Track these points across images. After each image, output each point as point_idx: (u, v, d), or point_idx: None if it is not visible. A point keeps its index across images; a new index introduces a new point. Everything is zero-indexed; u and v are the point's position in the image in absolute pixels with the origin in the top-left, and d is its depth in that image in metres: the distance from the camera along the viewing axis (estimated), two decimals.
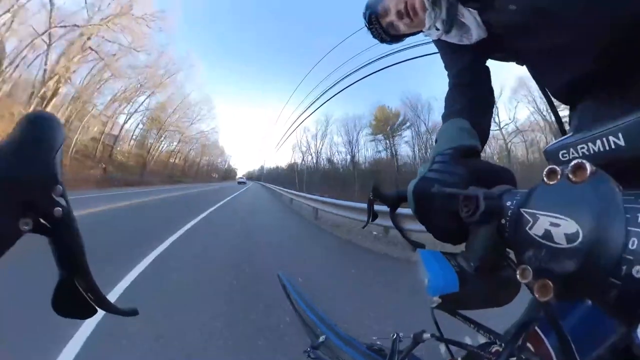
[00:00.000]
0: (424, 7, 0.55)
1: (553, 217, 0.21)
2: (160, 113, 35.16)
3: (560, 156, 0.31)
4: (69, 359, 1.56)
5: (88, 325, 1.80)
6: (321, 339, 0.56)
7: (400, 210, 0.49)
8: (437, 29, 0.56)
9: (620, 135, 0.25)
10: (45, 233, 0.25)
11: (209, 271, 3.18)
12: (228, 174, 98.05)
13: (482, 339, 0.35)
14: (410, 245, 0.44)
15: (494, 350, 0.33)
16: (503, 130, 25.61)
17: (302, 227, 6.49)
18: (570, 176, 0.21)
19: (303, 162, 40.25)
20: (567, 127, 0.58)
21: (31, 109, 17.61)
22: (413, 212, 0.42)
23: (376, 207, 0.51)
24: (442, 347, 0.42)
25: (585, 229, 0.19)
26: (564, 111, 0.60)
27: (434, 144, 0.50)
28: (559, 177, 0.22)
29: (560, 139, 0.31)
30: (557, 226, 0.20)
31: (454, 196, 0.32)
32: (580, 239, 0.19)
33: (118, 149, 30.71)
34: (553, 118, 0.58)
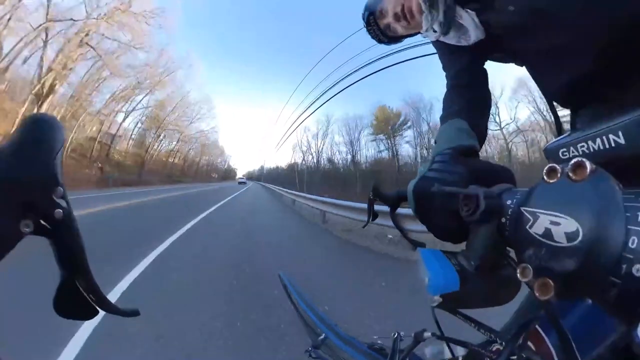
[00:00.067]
0: (420, 9, 0.55)
1: (553, 215, 0.21)
2: (159, 111, 35.04)
3: (560, 154, 0.31)
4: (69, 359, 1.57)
5: (88, 326, 1.79)
6: (322, 338, 0.56)
7: (400, 210, 0.49)
8: (435, 31, 0.56)
9: (620, 133, 0.25)
10: (46, 235, 0.25)
11: (209, 271, 3.18)
12: (228, 174, 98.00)
13: (482, 338, 0.35)
14: (410, 244, 0.44)
15: (494, 348, 0.33)
16: (504, 130, 25.65)
17: (307, 231, 5.91)
18: (570, 174, 0.21)
19: (304, 162, 40.25)
20: (566, 127, 0.58)
21: (25, 106, 17.47)
22: (413, 211, 0.42)
23: (376, 207, 0.51)
24: (443, 346, 0.42)
25: (585, 227, 0.19)
26: (562, 111, 0.60)
27: (433, 144, 0.51)
28: (559, 175, 0.22)
29: (560, 138, 0.31)
30: (557, 225, 0.20)
31: (454, 195, 0.32)
32: (580, 238, 0.19)
33: (116, 147, 30.48)
34: (553, 118, 0.58)
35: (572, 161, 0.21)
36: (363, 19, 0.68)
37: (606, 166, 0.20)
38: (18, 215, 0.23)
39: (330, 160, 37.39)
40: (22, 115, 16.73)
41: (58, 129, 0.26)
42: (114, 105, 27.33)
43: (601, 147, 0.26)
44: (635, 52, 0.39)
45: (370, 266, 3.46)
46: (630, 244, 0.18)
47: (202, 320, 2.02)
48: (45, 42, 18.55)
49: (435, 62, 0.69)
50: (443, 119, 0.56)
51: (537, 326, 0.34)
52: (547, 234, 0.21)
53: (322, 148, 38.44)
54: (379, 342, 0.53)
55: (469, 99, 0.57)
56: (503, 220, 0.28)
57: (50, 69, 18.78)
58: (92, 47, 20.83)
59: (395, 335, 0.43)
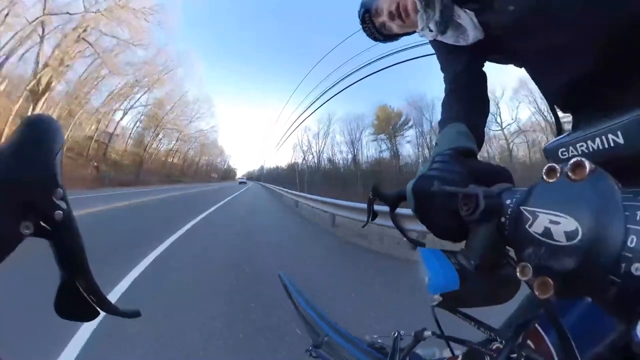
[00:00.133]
0: (416, 8, 0.55)
1: (552, 214, 0.21)
2: (158, 110, 34.89)
3: (560, 154, 0.31)
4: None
5: (88, 326, 1.79)
6: (323, 337, 0.57)
7: (401, 210, 0.49)
8: (431, 30, 0.55)
9: (619, 133, 0.25)
10: (46, 236, 0.25)
11: (209, 271, 3.18)
12: (227, 174, 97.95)
13: (482, 337, 0.35)
14: (410, 243, 0.44)
15: (494, 347, 0.33)
16: (505, 130, 25.64)
17: (316, 237, 5.22)
18: (570, 174, 0.21)
19: (304, 162, 40.16)
20: (567, 127, 0.58)
21: (19, 102, 17.29)
22: (413, 210, 0.42)
23: (376, 206, 0.51)
24: (443, 345, 0.42)
25: (584, 226, 0.19)
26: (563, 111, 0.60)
27: (434, 146, 0.51)
28: (558, 175, 0.22)
29: (559, 138, 0.31)
30: (557, 224, 0.20)
31: (454, 195, 0.32)
32: (579, 237, 0.19)
33: (114, 146, 30.20)
34: (553, 118, 0.58)
35: (572, 161, 0.21)
36: (359, 16, 0.67)
37: (605, 166, 0.20)
38: (18, 216, 0.23)
39: (330, 160, 37.39)
40: (16, 112, 16.56)
41: (57, 130, 0.26)
42: (112, 104, 27.15)
43: (600, 147, 0.26)
44: (635, 52, 0.39)
45: (399, 275, 3.00)
46: (629, 243, 0.18)
47: (202, 320, 2.02)
48: (42, 37, 18.32)
49: (437, 62, 0.69)
50: (442, 122, 0.56)
51: (536, 325, 0.34)
52: (547, 233, 0.21)
53: (323, 148, 38.44)
54: (379, 341, 0.53)
55: (468, 103, 0.57)
56: (502, 219, 0.28)
57: (46, 65, 18.56)
58: (89, 43, 20.62)
59: (396, 334, 0.43)
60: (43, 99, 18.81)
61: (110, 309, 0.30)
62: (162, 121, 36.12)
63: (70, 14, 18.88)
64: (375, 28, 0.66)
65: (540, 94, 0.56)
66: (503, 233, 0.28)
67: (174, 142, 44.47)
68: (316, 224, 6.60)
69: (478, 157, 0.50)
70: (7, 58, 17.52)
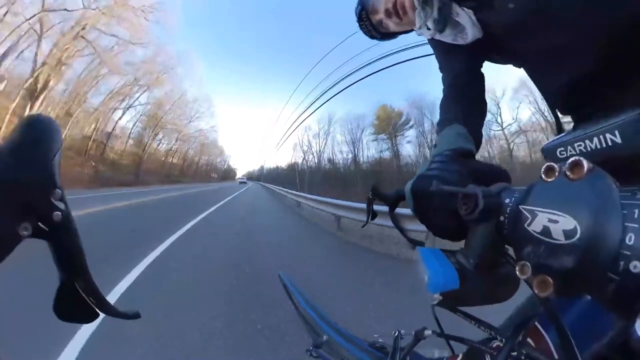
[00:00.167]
0: (413, 6, 0.54)
1: (551, 213, 0.21)
2: (157, 109, 34.75)
3: (558, 154, 0.31)
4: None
5: (88, 326, 1.79)
6: (323, 337, 0.57)
7: (401, 210, 0.49)
8: (429, 28, 0.55)
9: (616, 132, 0.25)
10: (45, 237, 0.25)
11: (209, 271, 3.18)
12: (227, 174, 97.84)
13: (482, 335, 0.35)
14: (410, 243, 0.45)
15: (494, 345, 0.34)
16: (505, 130, 25.62)
17: (317, 238, 5.14)
18: (568, 173, 0.21)
19: (304, 162, 40.07)
20: (568, 127, 0.58)
21: (16, 101, 17.14)
22: (412, 210, 0.42)
23: (376, 206, 0.51)
24: (444, 344, 0.43)
25: (583, 225, 0.19)
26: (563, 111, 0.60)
27: (433, 147, 0.51)
28: (556, 174, 0.22)
29: (557, 137, 0.32)
30: (555, 222, 0.21)
31: (453, 194, 0.32)
32: (578, 235, 0.19)
33: (112, 146, 29.93)
34: (554, 118, 0.58)
35: (570, 160, 0.21)
36: (356, 13, 0.67)
37: (603, 165, 0.21)
38: (16, 217, 0.23)
39: (331, 160, 37.32)
40: (14, 112, 16.43)
41: (55, 130, 0.26)
42: (112, 103, 26.97)
43: (598, 146, 0.26)
44: (635, 52, 0.39)
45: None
46: (627, 241, 0.18)
47: (202, 320, 2.02)
48: (40, 35, 18.13)
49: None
50: (441, 123, 0.56)
51: (536, 323, 0.34)
52: (546, 231, 0.21)
53: (323, 148, 38.37)
54: (380, 340, 0.54)
55: (467, 105, 0.57)
56: (501, 218, 0.28)
57: (44, 63, 18.38)
58: (87, 40, 20.41)
59: (396, 334, 0.43)
60: (41, 97, 18.64)
61: (109, 310, 0.30)
62: (161, 120, 35.97)
63: (68, 10, 18.68)
64: (372, 26, 0.65)
65: (541, 94, 0.56)
66: (502, 232, 0.28)
67: (173, 141, 44.45)
68: (316, 224, 6.60)
69: (478, 157, 0.51)
70: (4, 55, 17.34)
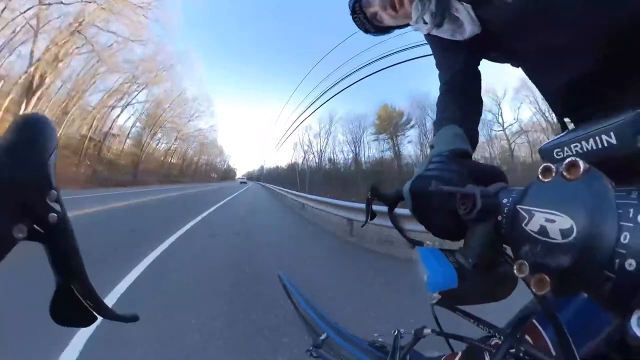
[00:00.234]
0: None
1: (548, 213, 0.22)
2: (156, 108, 34.43)
3: (555, 154, 0.31)
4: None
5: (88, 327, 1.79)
6: (323, 337, 0.57)
7: (400, 210, 0.49)
8: (426, 23, 0.53)
9: (612, 134, 0.25)
10: (40, 240, 0.24)
11: (208, 271, 3.18)
12: (227, 174, 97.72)
13: (481, 333, 0.35)
14: (409, 243, 0.45)
15: (493, 343, 0.34)
16: (507, 130, 25.62)
17: (317, 238, 5.02)
18: (565, 174, 0.21)
19: (305, 162, 39.94)
20: (568, 127, 0.58)
21: (9, 97, 16.91)
22: (410, 210, 0.42)
23: (375, 207, 0.51)
24: (443, 342, 0.43)
25: (579, 224, 0.19)
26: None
27: (430, 147, 0.51)
28: (553, 174, 0.22)
29: (554, 138, 0.32)
30: (552, 222, 0.21)
31: (452, 194, 0.32)
32: (574, 234, 0.19)
33: (110, 145, 29.61)
34: (555, 118, 0.58)
35: (566, 161, 0.21)
36: (349, 6, 0.64)
37: (599, 165, 0.21)
38: (11, 219, 0.22)
39: (332, 160, 37.22)
40: (5, 109, 16.21)
41: (51, 129, 0.26)
42: (109, 101, 26.68)
43: (594, 147, 0.27)
44: (635, 52, 0.39)
45: None
46: (622, 240, 0.18)
47: (202, 320, 2.02)
48: (37, 30, 17.86)
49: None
50: (437, 123, 0.55)
51: (534, 320, 0.34)
52: (543, 231, 0.22)
53: (324, 147, 38.26)
54: (379, 339, 0.54)
55: (464, 104, 0.56)
56: (499, 218, 0.28)
57: (39, 59, 18.07)
58: (85, 36, 20.11)
59: (396, 333, 0.43)
60: (37, 95, 18.37)
61: (107, 313, 0.29)
62: (159, 119, 35.72)
63: (64, 3, 18.32)
64: (366, 18, 0.63)
65: (541, 94, 0.56)
66: (500, 232, 0.28)
67: (172, 141, 44.26)
68: (316, 224, 6.59)
69: (478, 158, 0.51)
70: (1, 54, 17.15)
